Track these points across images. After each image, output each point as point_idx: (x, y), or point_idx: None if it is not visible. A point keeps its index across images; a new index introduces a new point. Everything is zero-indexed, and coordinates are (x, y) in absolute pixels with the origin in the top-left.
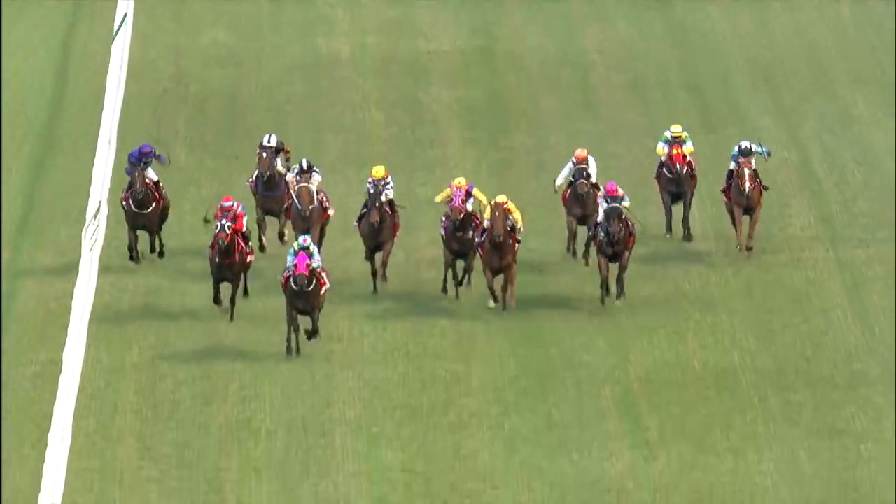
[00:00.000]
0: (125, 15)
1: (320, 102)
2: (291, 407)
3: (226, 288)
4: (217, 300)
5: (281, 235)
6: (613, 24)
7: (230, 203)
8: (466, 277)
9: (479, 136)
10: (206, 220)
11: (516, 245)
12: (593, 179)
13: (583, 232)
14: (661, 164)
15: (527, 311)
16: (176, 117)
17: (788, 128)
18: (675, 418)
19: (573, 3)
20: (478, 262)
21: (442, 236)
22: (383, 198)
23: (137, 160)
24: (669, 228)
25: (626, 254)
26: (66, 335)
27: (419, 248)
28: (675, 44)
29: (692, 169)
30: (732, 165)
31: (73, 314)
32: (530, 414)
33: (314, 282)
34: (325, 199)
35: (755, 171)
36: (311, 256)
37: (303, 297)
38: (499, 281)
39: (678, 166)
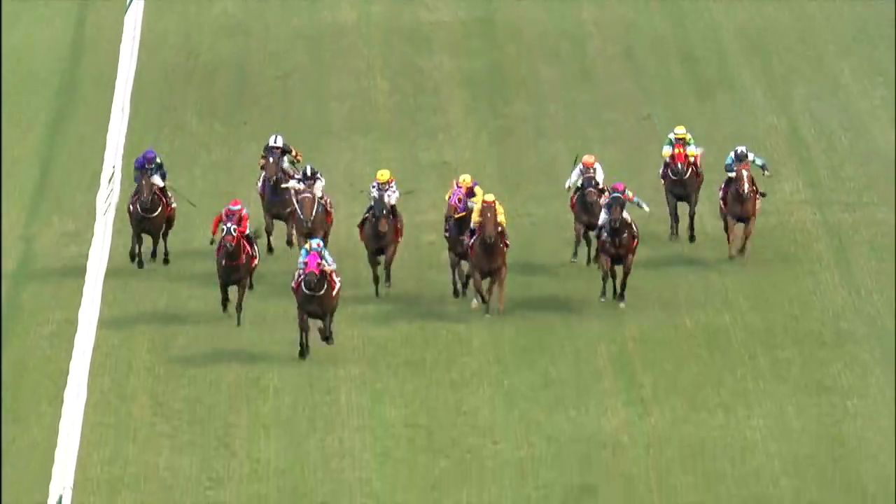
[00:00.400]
0: None
1: (325, 71)
2: (298, 365)
3: (232, 292)
4: (225, 304)
5: (289, 241)
6: None
7: (238, 207)
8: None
9: (479, 104)
10: (212, 242)
11: (506, 248)
12: (601, 185)
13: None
14: (666, 166)
15: (525, 276)
16: (186, 85)
17: (777, 96)
18: (667, 376)
19: None
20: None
21: (446, 237)
22: (388, 200)
23: (142, 166)
24: (674, 232)
25: (630, 256)
26: (82, 295)
27: (420, 211)
28: (669, 15)
29: (696, 168)
30: (730, 174)
31: (88, 275)
32: (529, 372)
33: (325, 285)
34: (328, 203)
35: (752, 177)
36: (322, 257)
37: (315, 301)
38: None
39: (680, 165)
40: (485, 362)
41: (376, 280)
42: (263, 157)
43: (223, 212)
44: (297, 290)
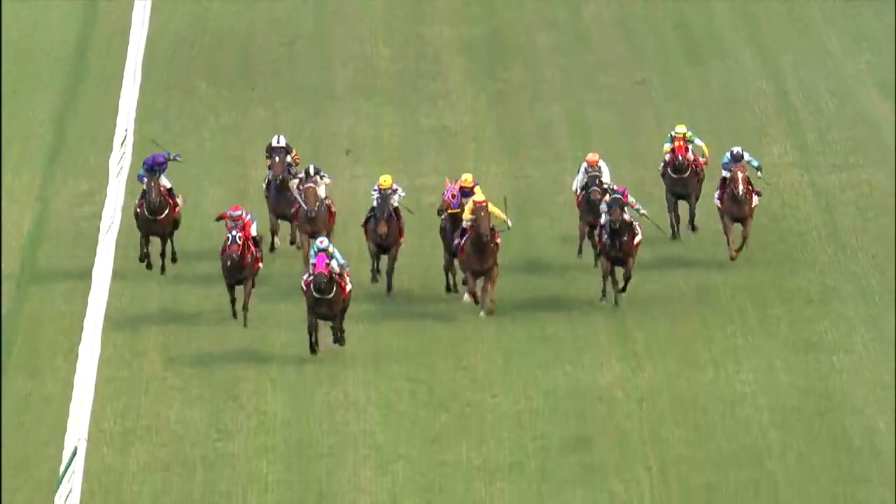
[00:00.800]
0: None
1: (330, 37)
2: (303, 326)
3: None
4: (234, 304)
5: (292, 240)
6: None
7: (239, 213)
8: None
9: (478, 69)
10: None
11: (498, 248)
12: (606, 183)
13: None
14: (666, 164)
15: (523, 242)
16: (195, 52)
17: (766, 61)
18: (660, 333)
19: None
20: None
21: (442, 238)
22: (393, 201)
23: (150, 168)
24: (674, 231)
25: (631, 260)
26: (95, 253)
27: (422, 175)
28: None
29: (697, 167)
30: (725, 173)
31: (102, 234)
32: (526, 329)
33: (334, 286)
34: (332, 203)
35: (748, 178)
36: (330, 257)
37: (324, 304)
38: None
39: (681, 158)
40: (483, 321)
41: (377, 271)
42: (268, 156)
43: (226, 218)
44: (306, 291)
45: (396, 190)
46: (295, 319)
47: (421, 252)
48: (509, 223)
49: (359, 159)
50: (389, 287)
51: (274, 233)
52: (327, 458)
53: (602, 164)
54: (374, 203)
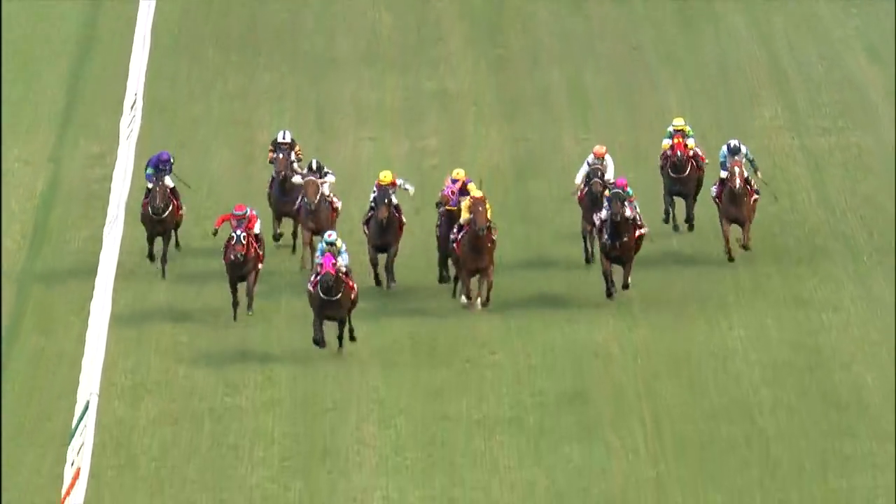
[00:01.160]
0: None
1: (334, 4)
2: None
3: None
4: (235, 305)
5: (295, 236)
6: None
7: (242, 212)
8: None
9: (478, 35)
10: (215, 233)
11: (494, 246)
12: (609, 178)
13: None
14: (666, 159)
15: (522, 202)
16: (203, 17)
17: (758, 27)
18: (654, 291)
19: None
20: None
21: (437, 237)
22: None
23: (156, 166)
24: (669, 219)
25: (631, 261)
26: (106, 215)
27: (423, 137)
28: None
29: (696, 163)
30: (723, 174)
31: (112, 195)
32: (524, 287)
33: (342, 287)
34: (334, 199)
35: (746, 176)
36: (336, 255)
37: (331, 306)
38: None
39: (679, 154)
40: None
41: (378, 282)
42: (272, 150)
43: (231, 218)
44: (312, 292)
45: (397, 185)
46: (299, 282)
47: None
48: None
49: (362, 122)
50: (391, 278)
51: (275, 225)
52: (332, 413)
53: (608, 157)
54: (372, 199)
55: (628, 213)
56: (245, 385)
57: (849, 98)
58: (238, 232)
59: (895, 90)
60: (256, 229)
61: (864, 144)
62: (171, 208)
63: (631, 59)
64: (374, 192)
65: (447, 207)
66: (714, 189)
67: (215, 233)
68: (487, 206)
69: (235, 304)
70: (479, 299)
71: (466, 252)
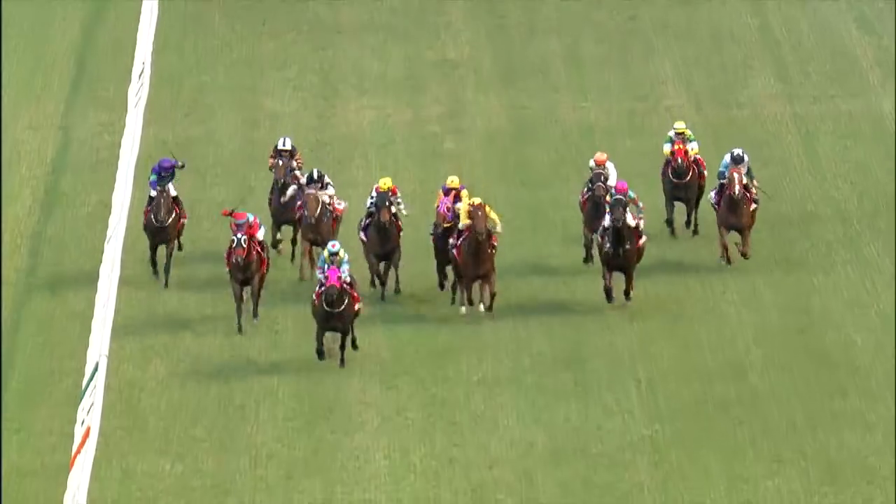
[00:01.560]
0: None
1: None
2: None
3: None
4: (239, 312)
5: (294, 241)
6: None
7: (244, 220)
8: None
9: (478, 5)
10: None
11: (495, 252)
12: (611, 184)
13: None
14: (667, 164)
15: (520, 168)
16: None
17: None
18: (649, 255)
19: None
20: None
21: (434, 244)
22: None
23: (158, 173)
24: (670, 223)
25: (632, 269)
26: (115, 179)
27: (424, 106)
28: None
29: (698, 169)
30: (723, 182)
31: (121, 162)
32: (522, 250)
33: (346, 299)
34: (336, 204)
35: (745, 184)
36: (340, 265)
37: (334, 318)
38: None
39: (680, 161)
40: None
41: (382, 283)
42: (273, 157)
43: (231, 224)
44: (316, 304)
45: (395, 195)
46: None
47: (421, 179)
48: (499, 228)
49: (365, 90)
50: (397, 285)
51: (274, 233)
52: (336, 374)
53: (609, 164)
54: (371, 204)
55: (630, 220)
56: (251, 347)
57: (839, 67)
58: (239, 235)
59: (893, 61)
60: (260, 236)
61: (854, 112)
62: (173, 217)
63: (627, 28)
64: (372, 197)
65: (445, 225)
66: (713, 196)
67: (231, 212)
68: (488, 210)
69: (239, 311)
70: (481, 304)
71: (467, 258)
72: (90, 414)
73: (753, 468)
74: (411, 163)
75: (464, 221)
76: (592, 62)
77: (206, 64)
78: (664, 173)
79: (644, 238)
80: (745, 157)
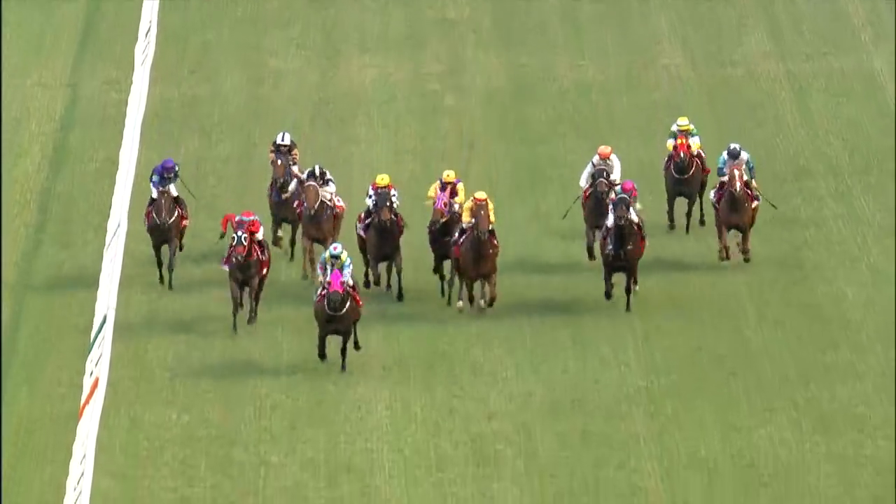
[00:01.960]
0: None
1: None
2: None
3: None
4: (237, 311)
5: (293, 243)
6: None
7: (250, 218)
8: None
9: None
10: (222, 236)
11: (497, 252)
12: (615, 178)
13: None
14: (669, 159)
15: (519, 126)
16: None
17: None
18: (644, 206)
19: None
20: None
21: (430, 240)
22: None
23: (160, 174)
24: (671, 221)
25: (635, 268)
26: (122, 136)
27: (425, 63)
28: None
29: (701, 163)
30: (723, 179)
31: (128, 119)
32: (521, 205)
33: (348, 302)
34: (336, 201)
35: (746, 181)
36: (343, 268)
37: (336, 321)
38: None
39: (683, 155)
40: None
41: (368, 284)
42: (272, 151)
43: (235, 221)
44: (318, 308)
45: (393, 193)
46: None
47: (422, 133)
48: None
49: (367, 48)
50: (399, 293)
51: (275, 231)
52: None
53: (614, 157)
54: (370, 202)
55: (634, 217)
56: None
57: (832, 25)
58: (239, 233)
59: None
60: (260, 235)
61: (846, 69)
62: (174, 217)
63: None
64: (371, 195)
65: (443, 220)
66: (713, 194)
67: (222, 236)
68: (490, 208)
69: (236, 310)
70: (481, 300)
71: (467, 257)
72: (98, 365)
73: (747, 418)
74: (412, 119)
75: (466, 219)
76: (590, 21)
77: (211, 22)
78: (667, 168)
79: (646, 240)
80: (742, 154)
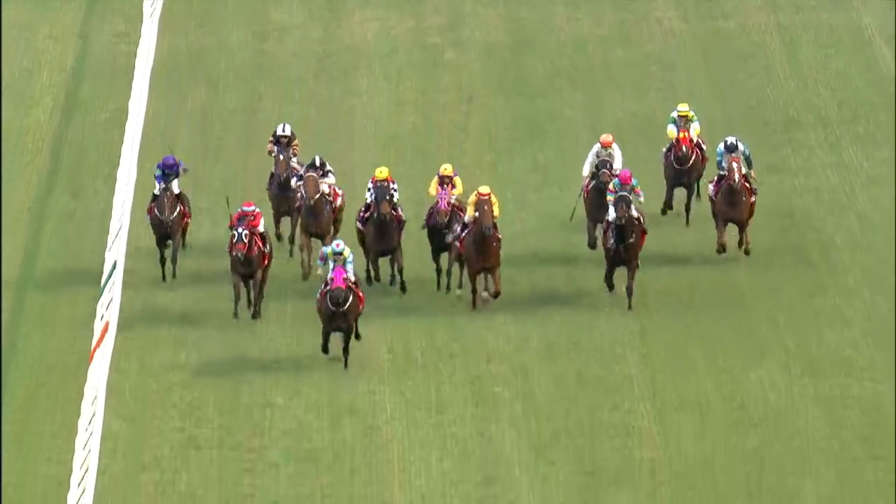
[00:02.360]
0: None
1: None
2: (319, 147)
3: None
4: (237, 304)
5: (292, 240)
6: None
7: (251, 209)
8: (453, 269)
9: None
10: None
11: (500, 245)
12: (617, 167)
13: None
14: (669, 149)
15: (517, 80)
16: None
17: None
18: (639, 157)
19: None
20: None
21: (428, 234)
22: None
23: (163, 171)
24: (670, 206)
25: (635, 261)
26: (131, 87)
27: (426, 16)
28: None
29: (701, 153)
30: (721, 173)
31: (137, 71)
32: (520, 157)
33: (351, 297)
34: (336, 192)
35: (744, 174)
36: (345, 264)
37: (339, 317)
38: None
39: (685, 149)
40: (480, 149)
41: (378, 279)
42: (272, 142)
43: (236, 215)
44: (321, 304)
45: (393, 186)
46: (309, 130)
47: (423, 87)
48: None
49: (368, 2)
50: (402, 285)
51: (276, 225)
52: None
53: (616, 147)
54: (369, 197)
55: (634, 213)
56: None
57: None
58: (240, 230)
59: None
60: (261, 227)
61: (835, 23)
62: (176, 213)
63: None
64: (370, 188)
65: (446, 219)
66: (711, 187)
67: (231, 228)
68: (494, 201)
69: (238, 299)
70: (485, 291)
71: (471, 251)
72: (109, 309)
73: (737, 362)
74: (413, 72)
75: (470, 214)
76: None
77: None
78: (667, 158)
79: (644, 235)
80: (740, 146)
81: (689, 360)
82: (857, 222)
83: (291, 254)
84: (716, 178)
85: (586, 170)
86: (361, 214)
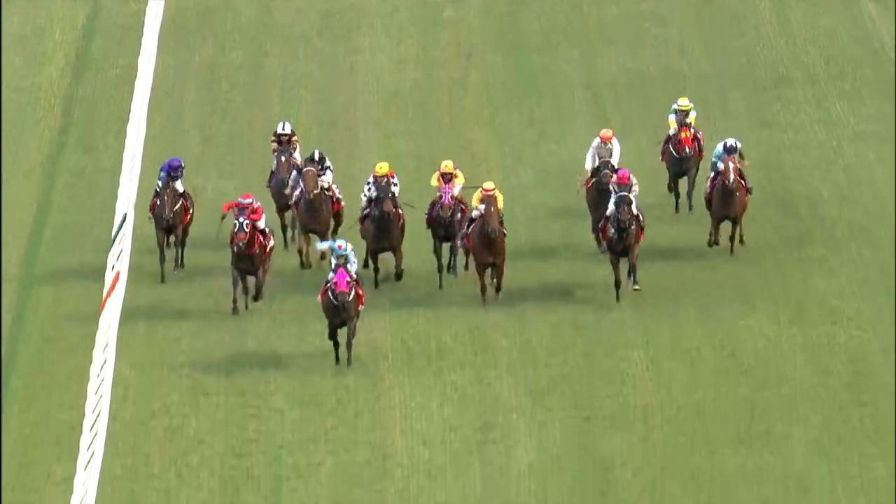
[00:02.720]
0: None
1: None
2: (322, 103)
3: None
4: (236, 301)
5: (292, 236)
6: None
7: (249, 200)
8: (453, 260)
9: None
10: (223, 218)
11: (505, 238)
12: (615, 161)
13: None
14: (668, 141)
15: (515, 40)
16: None
17: None
18: (634, 113)
19: None
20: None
21: (430, 226)
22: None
23: (168, 172)
24: (676, 208)
25: (635, 249)
26: (141, 44)
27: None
28: None
29: (699, 145)
30: (718, 167)
31: (147, 28)
32: (517, 112)
33: (352, 294)
34: (334, 192)
35: (740, 171)
36: (347, 265)
37: (341, 313)
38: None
39: (687, 149)
40: (478, 103)
41: (377, 271)
42: (274, 140)
43: (234, 206)
44: (323, 303)
45: (394, 181)
46: (313, 104)
47: (423, 45)
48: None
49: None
50: (399, 276)
51: (283, 224)
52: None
53: (615, 141)
54: (370, 193)
55: (634, 211)
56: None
57: None
58: (241, 220)
59: None
60: (262, 223)
61: None
62: (177, 209)
63: None
64: (370, 184)
65: (444, 206)
66: (707, 185)
67: (223, 217)
68: (499, 198)
69: (236, 299)
70: (489, 285)
71: (478, 247)
72: (119, 260)
73: (728, 311)
74: (414, 29)
75: (474, 205)
76: None
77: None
78: (664, 151)
79: (642, 231)
80: (739, 146)
81: (681, 307)
82: (844, 176)
83: (286, 245)
84: (711, 175)
85: (588, 162)
86: (361, 212)
